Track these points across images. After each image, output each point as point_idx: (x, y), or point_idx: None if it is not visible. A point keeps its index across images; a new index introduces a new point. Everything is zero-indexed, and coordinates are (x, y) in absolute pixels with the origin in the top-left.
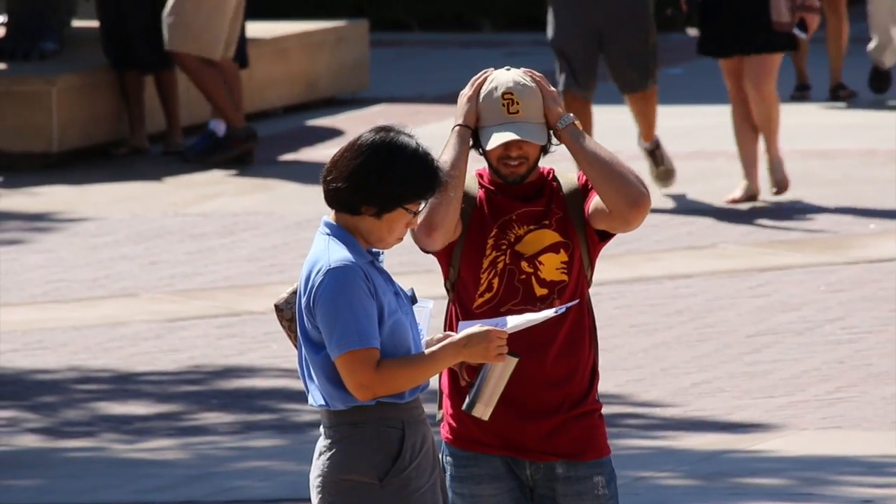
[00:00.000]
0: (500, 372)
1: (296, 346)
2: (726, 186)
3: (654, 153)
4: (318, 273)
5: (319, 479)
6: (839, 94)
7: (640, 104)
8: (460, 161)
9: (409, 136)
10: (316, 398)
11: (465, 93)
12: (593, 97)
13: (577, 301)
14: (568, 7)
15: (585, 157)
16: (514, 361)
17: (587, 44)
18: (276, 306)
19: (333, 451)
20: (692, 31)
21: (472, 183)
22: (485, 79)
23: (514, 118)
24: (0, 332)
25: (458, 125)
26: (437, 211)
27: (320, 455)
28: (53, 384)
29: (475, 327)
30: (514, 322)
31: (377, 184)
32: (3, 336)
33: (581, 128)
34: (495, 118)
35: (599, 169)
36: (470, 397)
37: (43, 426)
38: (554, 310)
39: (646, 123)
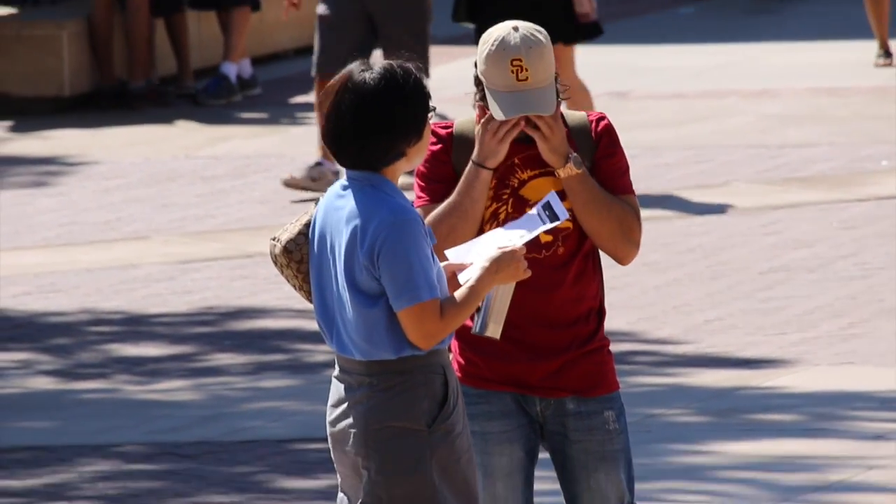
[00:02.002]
0: (505, 290)
1: (303, 290)
2: (738, 125)
3: None
4: (380, 226)
5: (360, 425)
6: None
7: None
8: (475, 208)
9: (378, 66)
10: (359, 349)
11: (492, 129)
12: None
13: (566, 216)
14: None
15: (581, 208)
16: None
17: (356, 27)
18: (286, 249)
19: (377, 400)
20: None
21: (469, 126)
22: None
23: (523, 86)
24: (13, 274)
25: (481, 166)
26: (456, 234)
27: (356, 404)
28: (66, 326)
29: (494, 252)
30: (524, 238)
31: (412, 112)
32: (16, 279)
33: (582, 177)
34: (503, 84)
35: (592, 224)
36: (480, 319)
37: (56, 368)
38: (538, 213)
39: None
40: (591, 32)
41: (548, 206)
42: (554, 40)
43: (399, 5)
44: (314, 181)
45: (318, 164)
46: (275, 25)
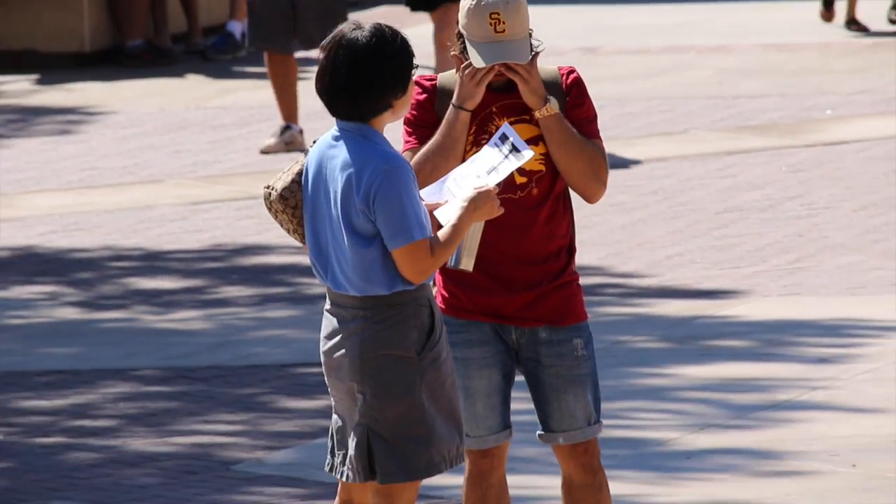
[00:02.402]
0: (477, 227)
1: (297, 233)
2: (696, 78)
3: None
4: (373, 171)
5: (355, 354)
6: (851, 27)
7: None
8: (456, 148)
9: (367, 26)
10: (355, 285)
11: (470, 74)
12: (293, 48)
13: (529, 151)
14: None
15: (555, 146)
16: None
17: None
18: (282, 196)
19: (371, 331)
20: None
21: (450, 79)
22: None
23: (501, 37)
24: (40, 215)
25: (461, 108)
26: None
27: (351, 335)
28: (89, 262)
29: (470, 192)
30: (496, 178)
31: (399, 68)
32: (43, 219)
33: (558, 118)
34: (482, 35)
35: (565, 162)
36: (455, 254)
37: (80, 300)
38: (498, 140)
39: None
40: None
41: (503, 137)
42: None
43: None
44: (287, 145)
45: (287, 127)
46: None
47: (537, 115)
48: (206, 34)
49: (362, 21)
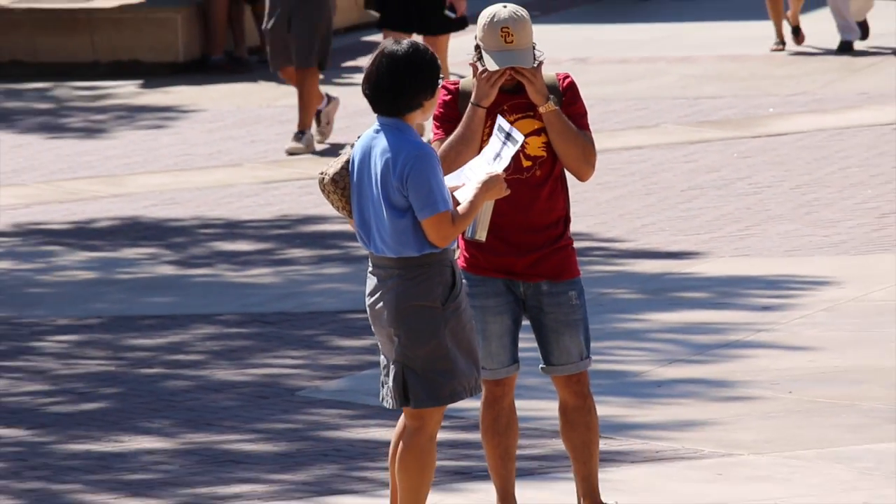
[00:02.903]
0: (489, 206)
1: (345, 210)
2: (666, 83)
3: (317, 115)
4: (406, 157)
5: (392, 305)
6: (795, 37)
7: (300, 79)
8: (474, 139)
9: (407, 42)
10: (392, 249)
11: (486, 77)
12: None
13: (521, 140)
14: None
15: (556, 136)
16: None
17: (281, 26)
18: (333, 179)
19: (404, 286)
20: None
21: (469, 83)
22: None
23: (510, 47)
24: (144, 192)
25: (478, 106)
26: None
27: (388, 291)
28: (182, 229)
29: (481, 172)
30: (502, 164)
31: (429, 75)
32: (146, 195)
33: (557, 113)
34: (495, 45)
35: (564, 148)
36: (471, 228)
37: (175, 259)
38: (502, 136)
39: (301, 105)
40: (458, 26)
41: (500, 128)
42: (429, 31)
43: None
44: (307, 146)
45: (301, 132)
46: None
47: (541, 110)
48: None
49: (398, 38)
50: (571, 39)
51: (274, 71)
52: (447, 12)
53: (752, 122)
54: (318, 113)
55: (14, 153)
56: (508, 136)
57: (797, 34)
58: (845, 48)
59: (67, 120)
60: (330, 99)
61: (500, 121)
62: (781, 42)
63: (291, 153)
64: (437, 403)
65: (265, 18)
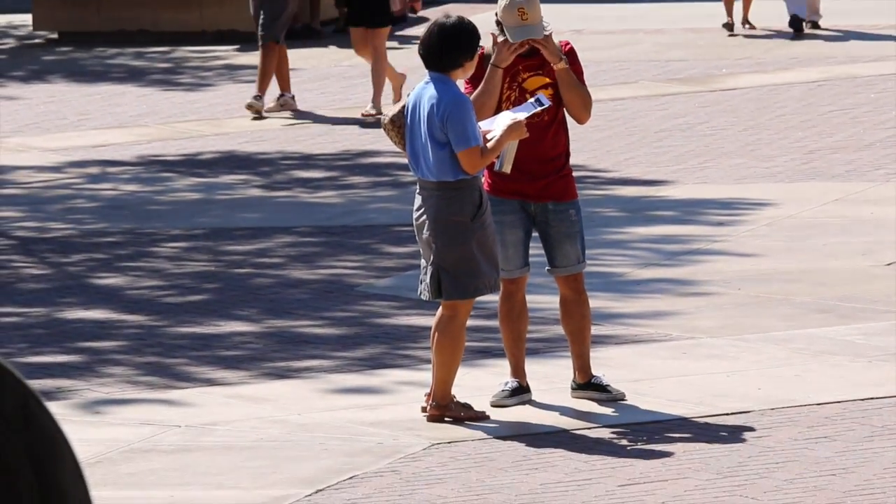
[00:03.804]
0: (513, 144)
1: (400, 144)
2: (643, 49)
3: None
4: (447, 102)
5: (431, 218)
6: (745, 26)
7: (263, 51)
8: (495, 93)
9: (455, 16)
10: (434, 174)
11: (508, 46)
12: (282, 40)
13: (549, 104)
14: None
15: (565, 88)
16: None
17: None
18: (391, 120)
19: (443, 203)
20: None
21: (490, 50)
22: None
23: (525, 23)
24: (238, 132)
25: (497, 67)
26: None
27: (430, 207)
28: (268, 160)
29: (507, 120)
30: (521, 115)
31: (470, 42)
32: (240, 134)
33: (568, 70)
34: (513, 22)
35: (570, 97)
36: (499, 161)
37: (262, 184)
38: (532, 102)
39: (264, 64)
40: (397, 21)
41: (537, 100)
42: (370, 24)
43: None
44: (283, 106)
45: (282, 94)
46: None
47: (556, 68)
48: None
49: (449, 13)
50: (570, 15)
51: (261, 44)
52: (409, 13)
53: (709, 79)
54: (283, 95)
55: (139, 101)
56: (539, 101)
57: (747, 24)
58: (795, 25)
59: (180, 76)
60: (292, 97)
61: (541, 96)
62: (731, 26)
63: (248, 108)
64: (464, 297)
65: None
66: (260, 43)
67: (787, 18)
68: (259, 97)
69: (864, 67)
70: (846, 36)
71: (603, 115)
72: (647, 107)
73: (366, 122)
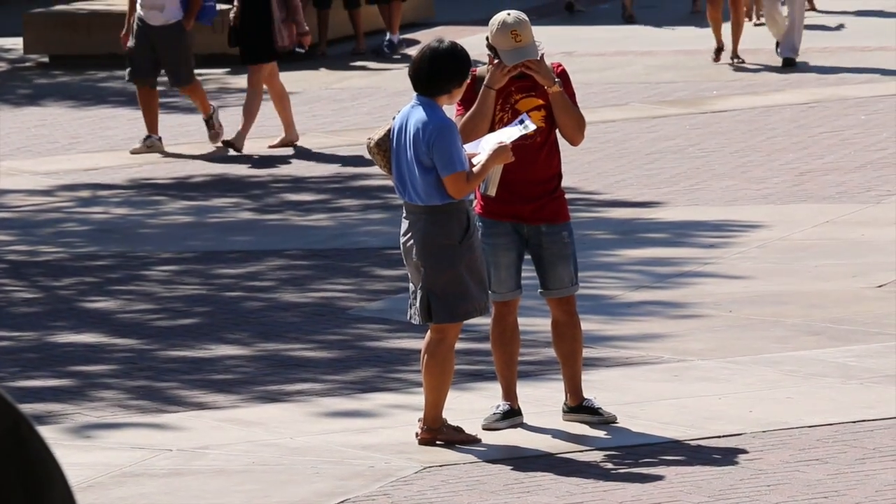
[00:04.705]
0: (498, 168)
1: (386, 168)
2: (634, 71)
3: (209, 121)
4: (432, 128)
5: (419, 243)
6: (735, 60)
7: (189, 93)
8: (487, 115)
9: (449, 42)
10: (421, 199)
11: (501, 68)
12: (155, 84)
13: (532, 128)
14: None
15: (559, 111)
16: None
17: (144, 46)
18: (377, 144)
19: (431, 227)
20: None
21: (483, 71)
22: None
23: (518, 45)
24: (230, 154)
25: (490, 88)
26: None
27: (417, 231)
28: (259, 183)
29: (493, 143)
30: (510, 138)
31: (460, 70)
32: (231, 156)
33: (562, 93)
34: (507, 45)
35: (564, 120)
36: (485, 184)
37: (253, 207)
38: (520, 127)
39: (198, 102)
40: (282, 57)
41: (522, 121)
42: (249, 60)
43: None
44: (149, 147)
45: (148, 136)
46: (373, 13)
47: (550, 91)
48: (332, 43)
49: (443, 37)
50: (561, 37)
51: (131, 82)
52: (297, 48)
53: (700, 101)
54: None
55: (130, 125)
56: (524, 123)
57: (737, 58)
58: (788, 63)
59: (171, 99)
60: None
61: (525, 117)
62: (718, 52)
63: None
64: (454, 320)
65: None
66: (177, 89)
67: (776, 51)
68: (158, 138)
69: (855, 89)
70: (837, 58)
71: (594, 137)
72: (637, 129)
73: (357, 144)
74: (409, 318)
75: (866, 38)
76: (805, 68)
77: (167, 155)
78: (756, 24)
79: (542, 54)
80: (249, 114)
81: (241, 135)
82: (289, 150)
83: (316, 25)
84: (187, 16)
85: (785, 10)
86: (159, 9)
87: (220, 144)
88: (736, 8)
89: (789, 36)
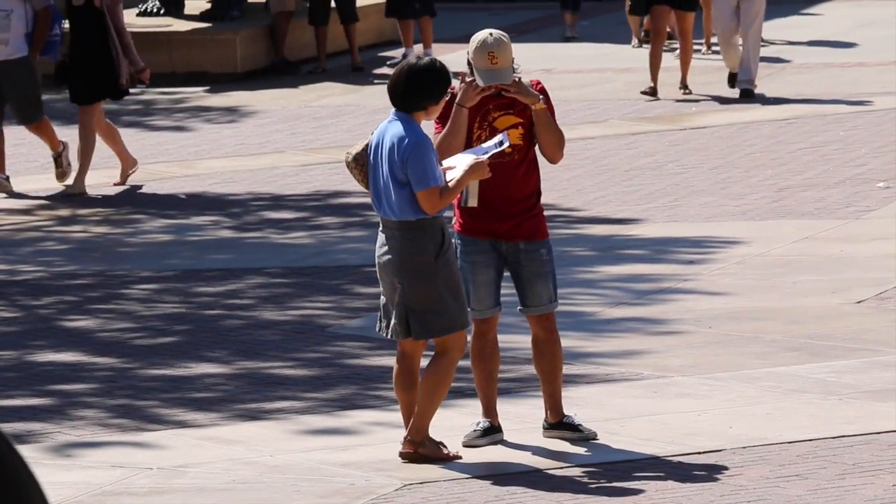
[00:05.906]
0: (475, 182)
1: (363, 182)
2: (612, 88)
3: (58, 158)
4: (407, 143)
5: (395, 259)
6: (682, 90)
7: (35, 131)
8: (461, 132)
9: (428, 58)
10: (395, 214)
11: (474, 87)
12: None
13: (507, 145)
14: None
15: (542, 128)
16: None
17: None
18: (355, 158)
19: (406, 243)
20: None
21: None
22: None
23: (494, 67)
24: (209, 173)
25: (462, 107)
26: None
27: (392, 247)
28: (238, 202)
29: (470, 159)
30: (486, 154)
31: (436, 87)
32: (210, 175)
33: (546, 111)
34: (483, 66)
35: (546, 138)
36: (464, 197)
37: (232, 225)
38: (496, 143)
39: (46, 139)
40: (118, 95)
41: (501, 143)
42: (94, 99)
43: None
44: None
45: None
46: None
47: (535, 108)
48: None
49: (427, 54)
50: (540, 55)
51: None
52: (138, 85)
53: (679, 118)
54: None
55: None
56: (501, 142)
57: (684, 89)
58: (746, 95)
59: (151, 118)
60: (64, 147)
61: (503, 135)
62: (654, 91)
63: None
64: (431, 336)
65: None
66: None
67: (727, 81)
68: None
69: (833, 105)
70: (815, 74)
71: (573, 153)
72: (616, 145)
73: (337, 162)
74: (377, 330)
75: (845, 54)
76: (783, 84)
77: (13, 195)
78: (706, 54)
79: (520, 77)
80: (86, 155)
81: (80, 178)
82: (295, 167)
83: (314, 42)
84: (33, 50)
85: (739, 41)
86: (4, 42)
87: (68, 183)
88: (684, 37)
89: (745, 66)
